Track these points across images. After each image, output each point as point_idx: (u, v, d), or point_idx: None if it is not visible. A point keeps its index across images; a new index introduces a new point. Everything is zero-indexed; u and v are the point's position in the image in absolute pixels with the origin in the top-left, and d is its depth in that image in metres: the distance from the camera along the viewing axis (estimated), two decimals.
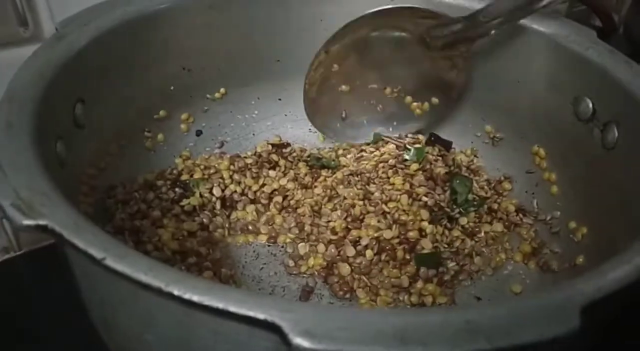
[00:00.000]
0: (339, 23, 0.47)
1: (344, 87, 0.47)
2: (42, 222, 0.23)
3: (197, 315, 0.21)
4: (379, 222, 0.40)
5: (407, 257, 0.39)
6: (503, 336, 0.20)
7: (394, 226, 0.40)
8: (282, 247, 0.41)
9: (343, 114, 0.48)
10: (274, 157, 0.46)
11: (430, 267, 0.39)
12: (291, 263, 0.40)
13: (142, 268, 0.21)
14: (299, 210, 0.43)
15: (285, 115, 0.50)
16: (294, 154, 0.47)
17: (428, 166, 0.45)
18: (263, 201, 0.43)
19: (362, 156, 0.47)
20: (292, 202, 0.44)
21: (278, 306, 0.20)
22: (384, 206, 0.41)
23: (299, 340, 0.19)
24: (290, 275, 0.39)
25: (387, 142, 0.48)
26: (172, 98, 0.45)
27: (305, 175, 0.45)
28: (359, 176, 0.44)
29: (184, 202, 0.41)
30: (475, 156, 0.48)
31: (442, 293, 0.37)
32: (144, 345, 0.26)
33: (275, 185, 0.44)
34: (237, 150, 0.47)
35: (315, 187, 0.44)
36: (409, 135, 0.48)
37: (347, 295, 0.37)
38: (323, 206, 0.43)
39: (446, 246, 0.40)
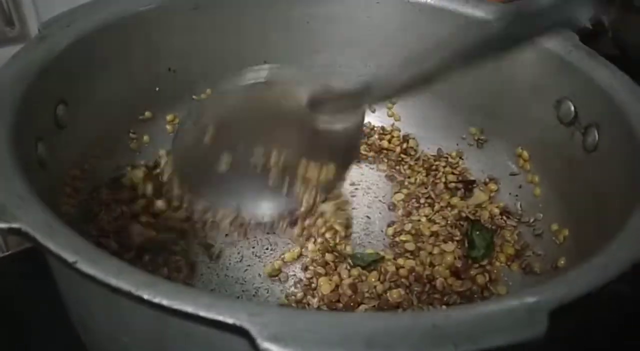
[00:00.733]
0: (325, 24, 0.47)
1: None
2: (15, 225, 0.23)
3: (168, 318, 0.21)
4: None
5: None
6: (470, 340, 0.20)
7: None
8: (267, 249, 0.41)
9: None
10: None
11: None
12: None
13: (112, 272, 0.21)
14: None
15: None
16: None
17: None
18: None
19: None
20: None
21: (246, 310, 0.20)
22: None
23: (266, 344, 0.19)
24: (274, 277, 0.40)
25: None
26: (157, 100, 0.45)
27: None
28: None
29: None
30: (460, 158, 0.48)
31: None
32: (120, 346, 0.26)
33: None
34: None
35: None
36: None
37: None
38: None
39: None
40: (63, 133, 0.35)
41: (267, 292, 0.39)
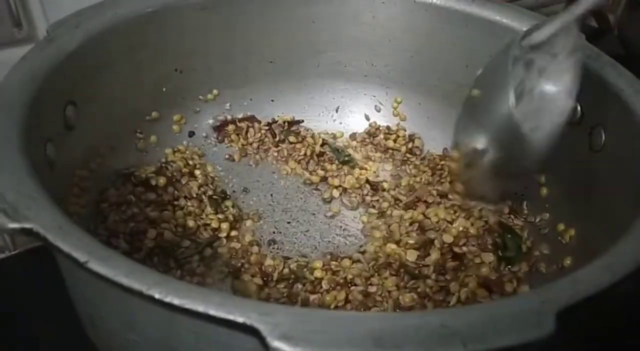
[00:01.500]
0: (331, 24, 0.47)
1: None
2: (27, 225, 0.23)
3: (178, 317, 0.22)
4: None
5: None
6: (478, 340, 0.20)
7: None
8: (274, 248, 0.42)
9: None
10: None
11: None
12: None
13: (123, 272, 0.21)
14: None
15: (278, 116, 0.50)
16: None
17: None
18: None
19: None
20: None
21: (257, 309, 0.20)
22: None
23: (277, 343, 0.19)
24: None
25: None
26: (164, 100, 0.45)
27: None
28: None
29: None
30: None
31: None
32: (129, 344, 0.27)
33: None
34: None
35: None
36: None
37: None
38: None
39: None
40: (72, 134, 0.36)
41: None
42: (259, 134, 0.49)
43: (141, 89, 0.43)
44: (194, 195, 0.42)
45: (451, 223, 0.41)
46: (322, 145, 0.49)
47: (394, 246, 0.40)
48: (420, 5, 0.46)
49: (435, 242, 0.40)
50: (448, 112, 0.48)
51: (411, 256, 0.39)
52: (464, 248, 0.40)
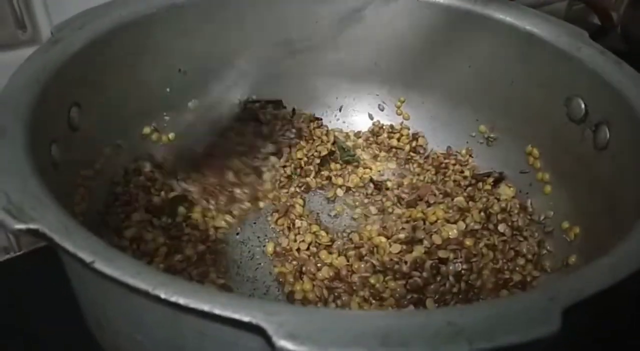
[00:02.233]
0: (334, 23, 0.47)
1: None
2: (33, 226, 0.23)
3: (184, 317, 0.22)
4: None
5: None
6: (484, 337, 0.20)
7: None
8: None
9: None
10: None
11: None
12: None
13: (129, 272, 0.21)
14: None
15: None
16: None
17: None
18: None
19: None
20: None
21: (263, 308, 0.20)
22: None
23: (282, 342, 0.19)
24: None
25: None
26: (168, 100, 0.45)
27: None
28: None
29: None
30: (470, 156, 0.48)
31: None
32: (134, 344, 0.27)
33: None
34: None
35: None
36: None
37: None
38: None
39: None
40: (76, 135, 0.36)
41: (278, 291, 0.39)
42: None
43: (145, 90, 0.42)
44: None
45: (453, 223, 0.41)
46: (332, 143, 0.49)
47: (383, 239, 0.40)
48: (423, 4, 0.46)
49: (424, 241, 0.39)
50: (451, 110, 0.49)
51: (395, 248, 0.39)
52: (450, 254, 0.39)
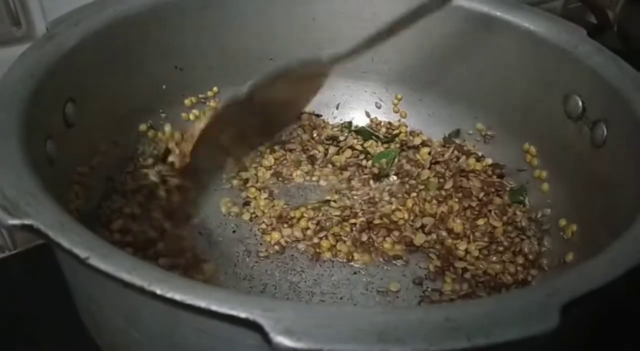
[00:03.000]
0: (331, 21, 0.47)
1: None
2: (27, 222, 0.23)
3: (180, 313, 0.21)
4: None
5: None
6: (483, 334, 0.20)
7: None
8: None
9: None
10: None
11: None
12: None
13: (125, 268, 0.21)
14: None
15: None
16: None
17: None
18: None
19: None
20: None
21: (260, 304, 0.20)
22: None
23: (279, 338, 0.19)
24: (282, 273, 0.40)
25: None
26: (164, 97, 0.45)
27: None
28: None
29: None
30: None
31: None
32: (130, 341, 0.27)
33: None
34: None
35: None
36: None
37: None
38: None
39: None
40: (71, 131, 0.35)
41: (275, 288, 0.39)
42: None
43: (141, 87, 0.42)
44: None
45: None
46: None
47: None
48: (420, 1, 0.45)
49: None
50: (449, 108, 0.48)
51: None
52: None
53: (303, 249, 0.41)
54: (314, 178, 0.47)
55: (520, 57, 0.42)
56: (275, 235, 0.41)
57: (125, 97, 0.41)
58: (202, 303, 0.20)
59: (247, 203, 0.44)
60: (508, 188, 0.44)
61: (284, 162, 0.48)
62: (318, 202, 0.44)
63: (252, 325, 0.20)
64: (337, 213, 0.43)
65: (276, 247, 0.41)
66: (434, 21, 0.45)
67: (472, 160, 0.46)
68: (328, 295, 0.38)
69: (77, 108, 0.36)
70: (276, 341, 0.19)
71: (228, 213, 0.43)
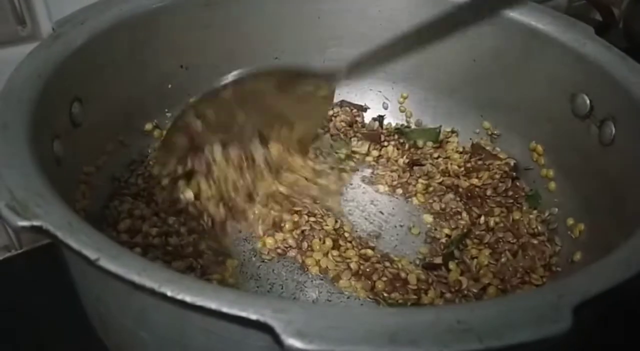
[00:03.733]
0: (337, 19, 0.47)
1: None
2: (36, 223, 0.23)
3: (190, 314, 0.21)
4: None
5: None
6: (495, 335, 0.20)
7: None
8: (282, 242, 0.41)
9: None
10: None
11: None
12: None
13: (135, 269, 0.21)
14: None
15: None
16: None
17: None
18: None
19: None
20: None
21: (271, 306, 0.20)
22: None
23: (291, 341, 0.19)
24: (289, 273, 0.40)
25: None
26: (169, 96, 0.45)
27: None
28: None
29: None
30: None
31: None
32: (138, 342, 0.27)
33: None
34: None
35: None
36: None
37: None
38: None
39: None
40: (78, 131, 0.35)
41: (282, 288, 0.39)
42: None
43: (147, 86, 0.42)
44: None
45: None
46: None
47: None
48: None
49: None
50: (454, 106, 0.48)
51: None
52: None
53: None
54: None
55: (528, 55, 0.42)
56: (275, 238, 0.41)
57: (131, 96, 0.41)
58: (213, 305, 0.20)
59: None
60: (523, 194, 0.44)
61: None
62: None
63: (263, 327, 0.20)
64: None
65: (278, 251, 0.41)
66: (440, 19, 0.45)
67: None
68: (335, 294, 0.38)
69: (83, 107, 0.36)
70: (288, 343, 0.19)
71: None
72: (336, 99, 0.50)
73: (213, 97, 0.37)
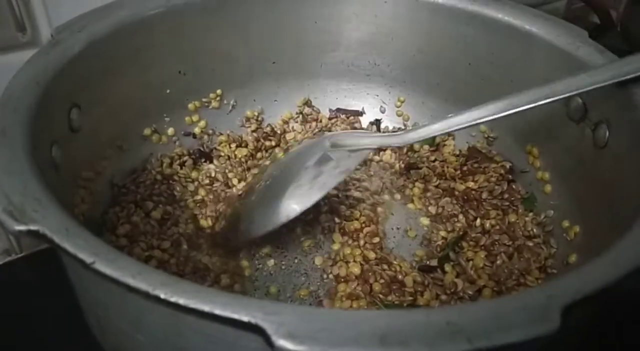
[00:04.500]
0: (333, 24, 0.47)
1: None
2: (33, 227, 0.23)
3: (184, 317, 0.22)
4: None
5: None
6: (484, 336, 0.20)
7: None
8: (279, 248, 0.42)
9: None
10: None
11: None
12: None
13: (130, 272, 0.21)
14: None
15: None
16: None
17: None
18: None
19: None
20: None
21: (262, 308, 0.21)
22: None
23: (282, 342, 0.20)
24: (286, 275, 0.40)
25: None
26: (168, 102, 0.45)
27: None
28: None
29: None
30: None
31: None
32: (135, 345, 0.27)
33: None
34: None
35: None
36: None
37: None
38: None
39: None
40: (77, 137, 0.36)
41: (278, 291, 0.39)
42: None
43: (145, 92, 0.43)
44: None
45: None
46: None
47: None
48: (422, 4, 0.46)
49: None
50: (451, 110, 0.48)
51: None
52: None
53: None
54: None
55: (523, 58, 0.42)
56: None
57: (130, 102, 0.42)
58: (206, 307, 0.21)
59: None
60: (519, 196, 0.44)
61: None
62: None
63: (254, 329, 0.20)
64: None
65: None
66: (437, 24, 0.45)
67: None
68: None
69: (82, 113, 0.36)
70: (278, 345, 0.19)
71: None
72: (332, 107, 0.51)
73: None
